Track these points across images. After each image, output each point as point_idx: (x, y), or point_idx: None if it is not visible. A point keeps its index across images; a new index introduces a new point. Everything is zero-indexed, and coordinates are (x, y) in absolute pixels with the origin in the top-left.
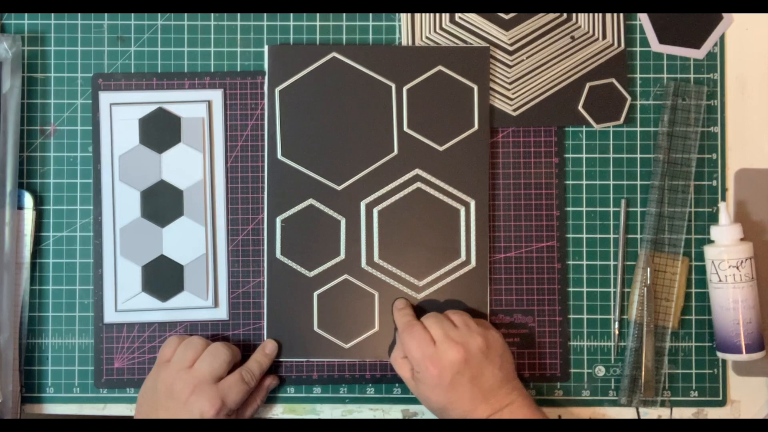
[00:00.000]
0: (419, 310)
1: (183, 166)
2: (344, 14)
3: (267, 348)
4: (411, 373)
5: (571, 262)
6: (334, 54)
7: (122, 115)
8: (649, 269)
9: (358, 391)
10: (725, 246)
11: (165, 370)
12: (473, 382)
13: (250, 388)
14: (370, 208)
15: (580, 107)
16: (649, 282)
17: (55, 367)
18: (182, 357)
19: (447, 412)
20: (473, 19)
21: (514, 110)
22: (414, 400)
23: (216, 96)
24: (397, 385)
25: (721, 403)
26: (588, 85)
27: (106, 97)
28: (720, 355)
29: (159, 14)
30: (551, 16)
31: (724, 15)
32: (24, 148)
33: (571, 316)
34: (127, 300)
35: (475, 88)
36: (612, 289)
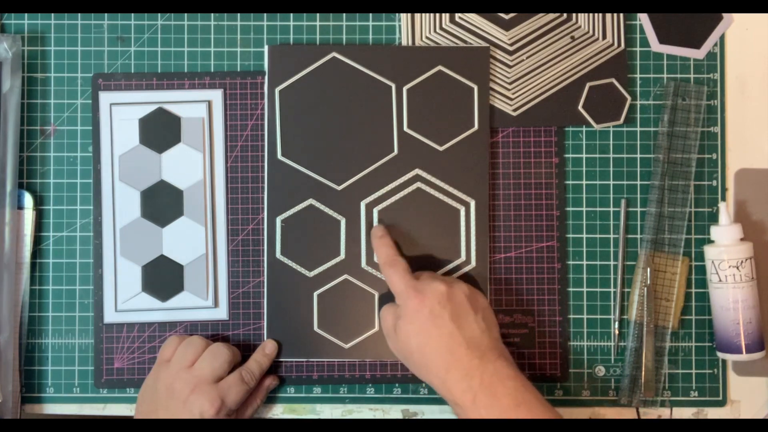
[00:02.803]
0: None
1: (183, 166)
2: (344, 14)
3: (267, 348)
4: (395, 315)
5: (571, 262)
6: (334, 54)
7: (122, 115)
8: (649, 269)
9: (358, 391)
10: (725, 246)
11: (165, 370)
12: (454, 319)
13: (249, 388)
14: (370, 208)
15: (580, 107)
16: (649, 282)
17: (55, 367)
18: (182, 357)
19: (426, 354)
20: (473, 19)
21: (514, 110)
22: (414, 400)
23: (216, 96)
24: (397, 385)
25: (721, 403)
26: (588, 85)
27: (106, 97)
28: (720, 355)
29: (159, 14)
30: (551, 16)
31: (724, 15)
32: (24, 148)
33: (571, 316)
34: (127, 300)
35: (475, 88)
36: (612, 289)
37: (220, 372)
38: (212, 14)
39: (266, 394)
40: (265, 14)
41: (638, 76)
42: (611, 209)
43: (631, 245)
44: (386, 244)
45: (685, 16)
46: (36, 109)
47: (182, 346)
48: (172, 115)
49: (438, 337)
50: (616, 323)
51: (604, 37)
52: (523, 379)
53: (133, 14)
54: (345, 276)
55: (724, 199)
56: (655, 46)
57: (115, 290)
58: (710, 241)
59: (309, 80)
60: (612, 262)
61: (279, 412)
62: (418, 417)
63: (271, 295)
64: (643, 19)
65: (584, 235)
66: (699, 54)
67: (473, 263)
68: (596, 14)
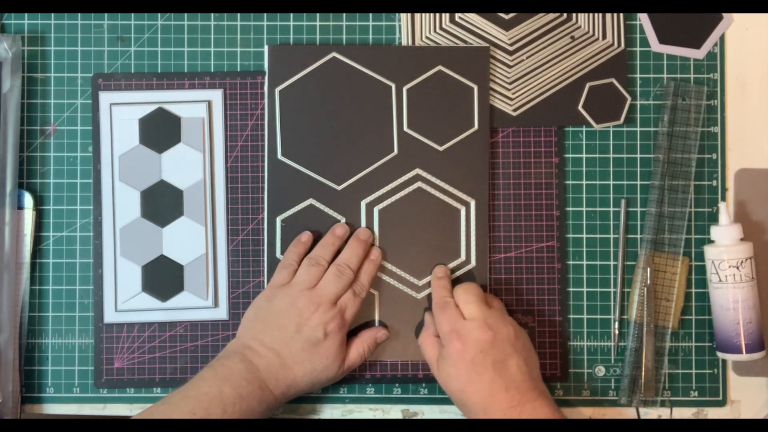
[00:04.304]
0: (420, 309)
1: (183, 166)
2: (344, 14)
3: (372, 255)
4: (438, 352)
5: (571, 262)
6: (334, 54)
7: (122, 115)
8: (649, 269)
9: (358, 391)
10: (725, 246)
11: (283, 291)
12: (495, 367)
13: (362, 299)
14: (370, 207)
15: (580, 107)
16: (649, 282)
17: (55, 367)
18: (305, 278)
19: (466, 396)
20: (473, 19)
21: (514, 110)
22: (414, 400)
23: (216, 96)
24: (397, 385)
25: (721, 403)
26: (588, 85)
27: (106, 97)
28: (720, 355)
29: (159, 14)
30: (551, 16)
31: (724, 15)
32: (24, 148)
33: (571, 316)
34: (127, 300)
35: (475, 88)
36: (612, 289)
37: (342, 293)
38: (212, 14)
39: (374, 345)
40: (265, 14)
41: (638, 76)
42: (611, 209)
43: (631, 245)
44: (443, 286)
45: (685, 16)
46: (36, 109)
47: (304, 268)
48: (172, 115)
49: (478, 383)
50: (616, 323)
51: (604, 37)
52: (561, 417)
53: (133, 14)
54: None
55: (724, 199)
56: (655, 46)
57: (115, 290)
58: (710, 241)
59: (309, 80)
60: (612, 262)
61: (279, 412)
62: (418, 417)
63: None
64: (643, 19)
65: (584, 235)
66: (699, 54)
67: (473, 263)
68: (596, 14)
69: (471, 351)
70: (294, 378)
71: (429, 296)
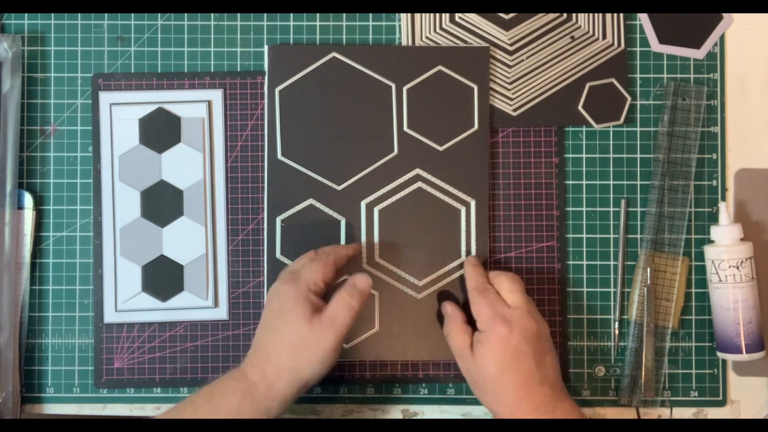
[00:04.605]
0: (420, 309)
1: (183, 166)
2: (344, 14)
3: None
4: (470, 340)
5: (571, 262)
6: (334, 54)
7: (122, 115)
8: (649, 269)
9: (358, 391)
10: (725, 246)
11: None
12: (535, 358)
13: (320, 264)
14: (370, 207)
15: (580, 107)
16: (649, 282)
17: (55, 367)
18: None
19: (501, 383)
20: (473, 19)
21: (514, 110)
22: (414, 400)
23: (216, 96)
24: (397, 385)
25: (721, 403)
26: (588, 85)
27: (106, 97)
28: (720, 355)
29: (159, 14)
30: (551, 16)
31: (724, 15)
32: (24, 148)
33: (571, 316)
34: (127, 300)
35: (475, 88)
36: (612, 289)
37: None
38: (212, 14)
39: (357, 290)
40: (265, 14)
41: (638, 76)
42: (611, 209)
43: (631, 245)
44: (480, 273)
45: (685, 16)
46: (36, 109)
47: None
48: (172, 115)
49: (517, 372)
50: (616, 323)
51: (604, 37)
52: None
53: (133, 14)
54: (345, 276)
55: (724, 199)
56: (655, 46)
57: (115, 290)
58: (710, 241)
59: (309, 80)
60: (612, 262)
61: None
62: (418, 417)
63: None
64: (643, 19)
65: (584, 235)
66: (699, 54)
67: None
68: (596, 14)
69: (516, 338)
70: (277, 367)
71: (429, 296)
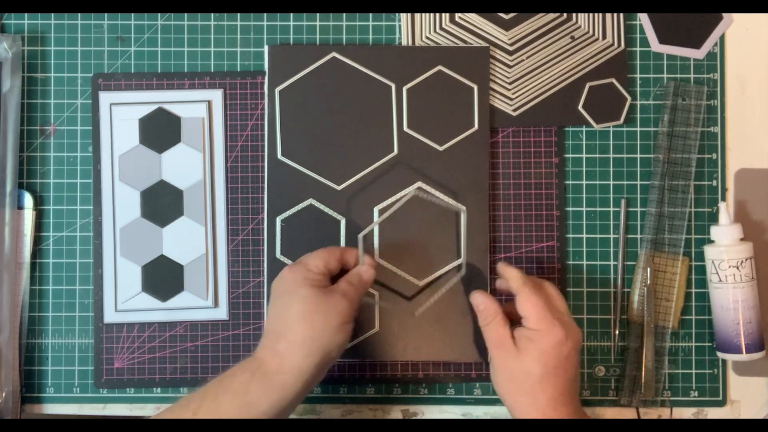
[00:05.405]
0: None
1: (183, 166)
2: (344, 14)
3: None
4: (510, 333)
5: (571, 262)
6: (334, 54)
7: (122, 115)
8: (649, 269)
9: (358, 391)
10: (725, 246)
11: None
12: (576, 369)
13: (326, 252)
14: (370, 207)
15: (580, 107)
16: (649, 282)
17: (55, 367)
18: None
19: (543, 386)
20: (473, 19)
21: (514, 110)
22: (414, 400)
23: (216, 96)
24: (397, 385)
25: (721, 403)
26: (588, 85)
27: (106, 97)
28: (720, 355)
29: (159, 14)
30: (551, 16)
31: (724, 15)
32: (24, 148)
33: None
34: (127, 300)
35: (475, 88)
36: (612, 289)
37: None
38: (212, 14)
39: (360, 279)
40: (265, 14)
41: (638, 76)
42: (611, 209)
43: (631, 245)
44: (523, 273)
45: (685, 16)
46: (36, 109)
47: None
48: (172, 115)
49: (564, 377)
50: (617, 323)
51: (604, 37)
52: None
53: (133, 14)
54: None
55: (724, 199)
56: (655, 46)
57: (115, 290)
58: (710, 241)
59: (309, 80)
60: (612, 262)
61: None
62: (418, 417)
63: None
64: (643, 19)
65: (584, 235)
66: (699, 54)
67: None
68: (596, 14)
69: (570, 345)
70: (290, 340)
71: (425, 297)
